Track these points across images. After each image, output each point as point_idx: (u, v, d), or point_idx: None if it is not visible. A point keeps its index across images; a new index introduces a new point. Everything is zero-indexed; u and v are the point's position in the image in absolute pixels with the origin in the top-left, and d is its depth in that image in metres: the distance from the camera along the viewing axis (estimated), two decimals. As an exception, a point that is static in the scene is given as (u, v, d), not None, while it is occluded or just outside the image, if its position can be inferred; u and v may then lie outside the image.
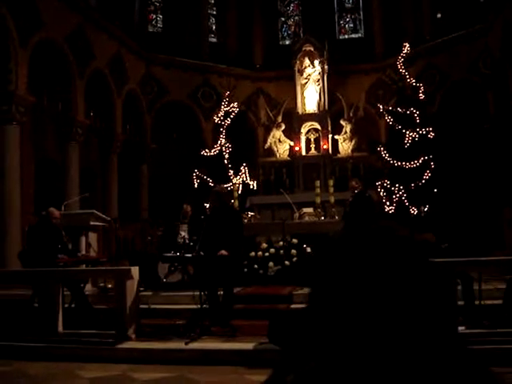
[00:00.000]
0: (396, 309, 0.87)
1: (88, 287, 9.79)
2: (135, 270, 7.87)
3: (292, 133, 21.22)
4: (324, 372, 0.90)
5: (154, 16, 24.62)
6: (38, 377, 6.60)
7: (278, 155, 21.21)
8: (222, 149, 20.09)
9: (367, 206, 10.45)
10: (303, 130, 20.96)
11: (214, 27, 25.96)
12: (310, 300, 0.96)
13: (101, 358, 7.11)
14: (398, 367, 0.86)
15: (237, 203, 14.42)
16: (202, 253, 7.86)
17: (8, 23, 14.52)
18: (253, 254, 10.70)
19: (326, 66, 21.26)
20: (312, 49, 21.36)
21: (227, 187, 16.63)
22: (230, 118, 20.46)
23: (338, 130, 21.05)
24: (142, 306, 8.22)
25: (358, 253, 0.93)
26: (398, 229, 0.97)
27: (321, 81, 21.24)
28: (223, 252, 7.89)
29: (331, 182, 13.20)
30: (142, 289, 8.78)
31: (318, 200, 12.94)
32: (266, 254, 10.66)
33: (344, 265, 0.93)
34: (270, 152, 21.37)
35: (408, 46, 19.11)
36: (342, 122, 20.98)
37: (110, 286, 9.96)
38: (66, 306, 8.50)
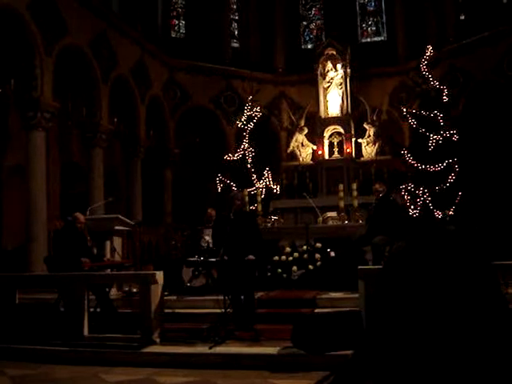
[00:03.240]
0: (465, 310, 0.87)
1: (113, 291, 9.84)
2: (160, 275, 7.90)
3: (315, 137, 21.16)
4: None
5: (177, 22, 24.78)
6: (64, 380, 6.66)
7: (300, 159, 21.18)
8: (244, 153, 20.11)
9: (391, 209, 10.39)
10: (326, 134, 20.90)
11: (236, 32, 26.04)
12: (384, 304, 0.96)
13: (126, 362, 7.15)
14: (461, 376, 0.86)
15: (260, 207, 14.40)
16: (226, 257, 7.88)
17: (33, 30, 14.71)
18: (276, 258, 10.69)
19: (348, 70, 21.18)
20: (334, 52, 21.30)
21: (250, 191, 16.65)
22: (253, 123, 20.48)
23: (361, 133, 20.96)
24: (166, 311, 8.25)
25: (434, 258, 0.93)
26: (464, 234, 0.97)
27: (343, 84, 21.17)
28: (251, 257, 7.93)
29: (355, 186, 13.13)
30: (166, 293, 8.80)
31: (342, 204, 12.88)
32: (290, 258, 10.64)
33: (417, 270, 0.92)
34: (293, 156, 21.35)
35: (431, 48, 18.97)
36: (365, 126, 20.89)
37: (134, 290, 10.00)
38: (92, 310, 8.56)
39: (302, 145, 21.21)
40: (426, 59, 18.82)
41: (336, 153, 20.73)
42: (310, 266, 10.43)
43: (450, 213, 16.65)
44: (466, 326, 0.88)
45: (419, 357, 0.88)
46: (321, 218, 13.20)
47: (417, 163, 17.79)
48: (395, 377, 0.91)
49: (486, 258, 0.94)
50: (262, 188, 18.87)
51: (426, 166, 17.59)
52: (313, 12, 26.91)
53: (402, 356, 0.90)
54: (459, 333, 0.88)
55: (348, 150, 20.42)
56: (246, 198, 14.36)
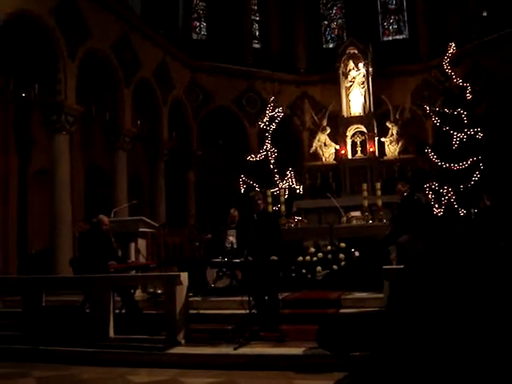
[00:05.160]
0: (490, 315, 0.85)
1: (138, 293, 9.89)
2: (184, 276, 7.92)
3: (337, 136, 21.13)
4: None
5: (198, 23, 24.85)
6: (90, 382, 6.70)
7: (323, 159, 21.15)
8: (267, 154, 20.12)
9: (415, 208, 10.33)
10: (349, 133, 20.85)
11: (257, 33, 26.04)
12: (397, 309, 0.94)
13: (151, 363, 7.18)
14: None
15: (283, 208, 14.37)
16: (250, 258, 7.87)
17: (56, 35, 14.83)
18: (300, 258, 10.66)
19: (370, 69, 21.12)
20: (356, 51, 21.26)
21: (273, 192, 16.61)
22: (275, 123, 20.48)
23: (384, 132, 20.87)
24: (191, 312, 8.27)
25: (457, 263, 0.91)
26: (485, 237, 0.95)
27: (365, 83, 21.11)
28: (274, 257, 7.92)
29: (378, 185, 13.03)
30: (190, 294, 8.82)
31: (366, 203, 12.80)
32: (314, 258, 10.61)
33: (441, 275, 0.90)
34: (316, 156, 21.32)
35: (453, 45, 18.83)
36: (388, 124, 20.81)
37: (159, 291, 10.05)
38: (117, 311, 8.62)
39: (325, 144, 21.18)
40: (448, 57, 18.69)
41: (359, 152, 20.67)
42: (335, 266, 10.39)
43: (475, 211, 16.49)
44: (487, 335, 0.86)
45: (433, 364, 0.86)
46: (344, 218, 13.13)
47: (441, 161, 17.66)
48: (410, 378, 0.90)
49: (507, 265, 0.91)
50: (285, 188, 18.84)
51: (449, 165, 17.46)
52: (334, 11, 26.81)
53: (416, 362, 0.88)
54: (479, 342, 0.86)
55: (371, 149, 20.35)
56: (269, 199, 14.34)
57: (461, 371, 0.86)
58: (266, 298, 8.07)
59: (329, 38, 26.77)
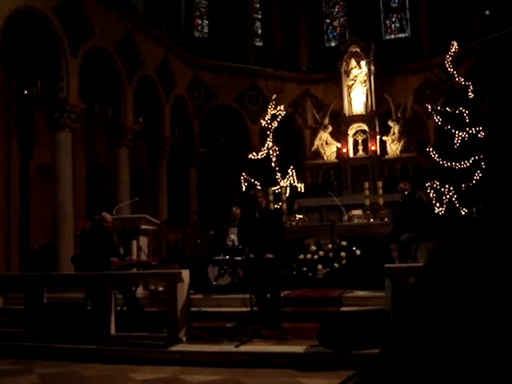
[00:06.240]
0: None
1: (139, 290, 9.91)
2: (186, 273, 7.94)
3: (339, 135, 21.13)
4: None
5: (200, 21, 24.85)
6: (92, 379, 6.73)
7: (325, 157, 21.16)
8: (269, 152, 20.13)
9: (417, 207, 10.34)
10: (350, 132, 20.86)
11: (259, 31, 26.04)
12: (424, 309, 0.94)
13: (152, 361, 7.20)
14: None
15: (285, 206, 14.39)
16: (251, 255, 7.89)
17: (59, 32, 14.86)
18: (301, 256, 10.67)
19: (372, 67, 21.12)
20: (358, 50, 21.26)
21: (275, 190, 16.61)
22: (277, 121, 20.48)
23: (385, 130, 20.87)
24: (192, 309, 8.29)
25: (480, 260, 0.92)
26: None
27: (367, 82, 21.11)
28: (269, 255, 7.94)
29: (380, 184, 13.03)
30: (192, 292, 8.84)
31: (367, 202, 12.80)
32: (315, 256, 10.61)
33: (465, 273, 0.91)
34: (318, 154, 21.33)
35: (456, 44, 18.81)
36: (389, 123, 20.80)
37: (160, 289, 10.06)
38: (118, 308, 8.64)
39: (327, 143, 21.19)
40: (450, 55, 18.67)
41: (360, 151, 20.68)
42: (336, 265, 10.39)
43: (476, 210, 16.50)
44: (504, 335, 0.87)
45: (450, 361, 0.87)
46: (346, 217, 13.14)
47: (442, 160, 17.65)
48: (423, 378, 0.91)
49: None
50: (287, 186, 18.84)
51: (451, 163, 17.46)
52: (336, 9, 26.80)
53: (432, 359, 0.89)
54: (495, 341, 0.87)
55: (373, 148, 20.36)
56: (271, 197, 14.36)
57: (475, 371, 0.87)
58: (268, 295, 8.09)
59: (331, 36, 26.76)
